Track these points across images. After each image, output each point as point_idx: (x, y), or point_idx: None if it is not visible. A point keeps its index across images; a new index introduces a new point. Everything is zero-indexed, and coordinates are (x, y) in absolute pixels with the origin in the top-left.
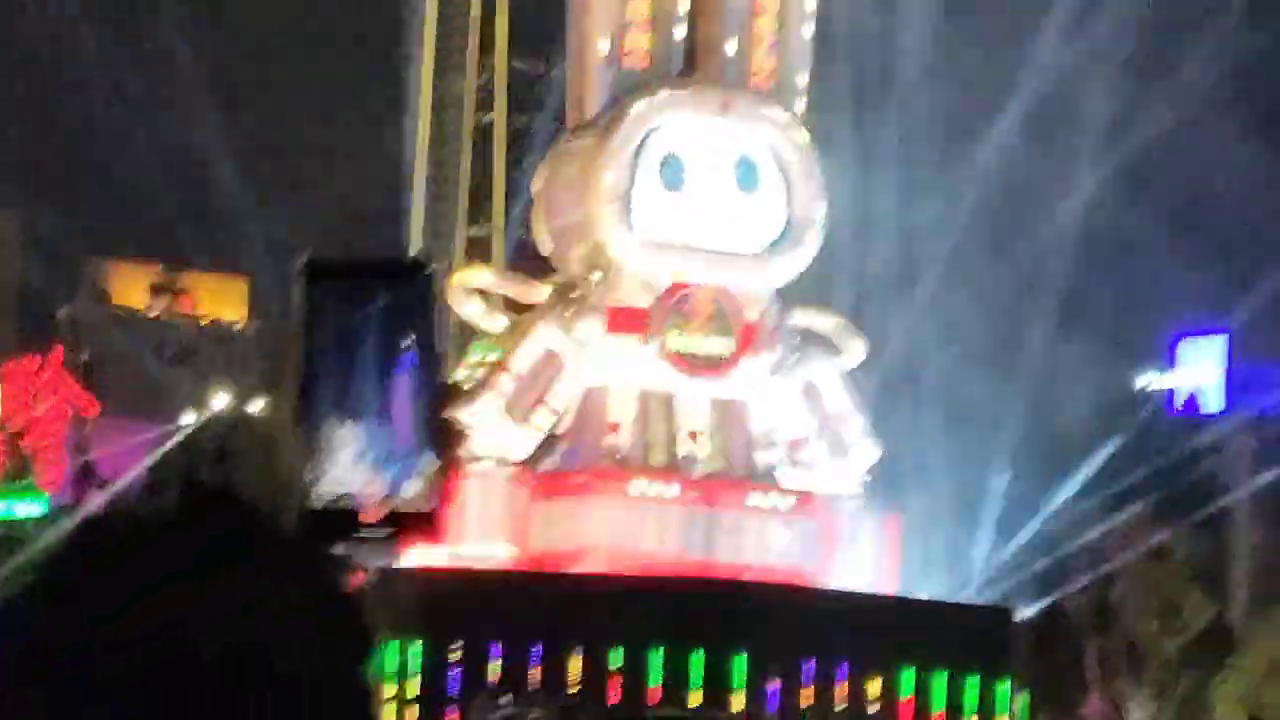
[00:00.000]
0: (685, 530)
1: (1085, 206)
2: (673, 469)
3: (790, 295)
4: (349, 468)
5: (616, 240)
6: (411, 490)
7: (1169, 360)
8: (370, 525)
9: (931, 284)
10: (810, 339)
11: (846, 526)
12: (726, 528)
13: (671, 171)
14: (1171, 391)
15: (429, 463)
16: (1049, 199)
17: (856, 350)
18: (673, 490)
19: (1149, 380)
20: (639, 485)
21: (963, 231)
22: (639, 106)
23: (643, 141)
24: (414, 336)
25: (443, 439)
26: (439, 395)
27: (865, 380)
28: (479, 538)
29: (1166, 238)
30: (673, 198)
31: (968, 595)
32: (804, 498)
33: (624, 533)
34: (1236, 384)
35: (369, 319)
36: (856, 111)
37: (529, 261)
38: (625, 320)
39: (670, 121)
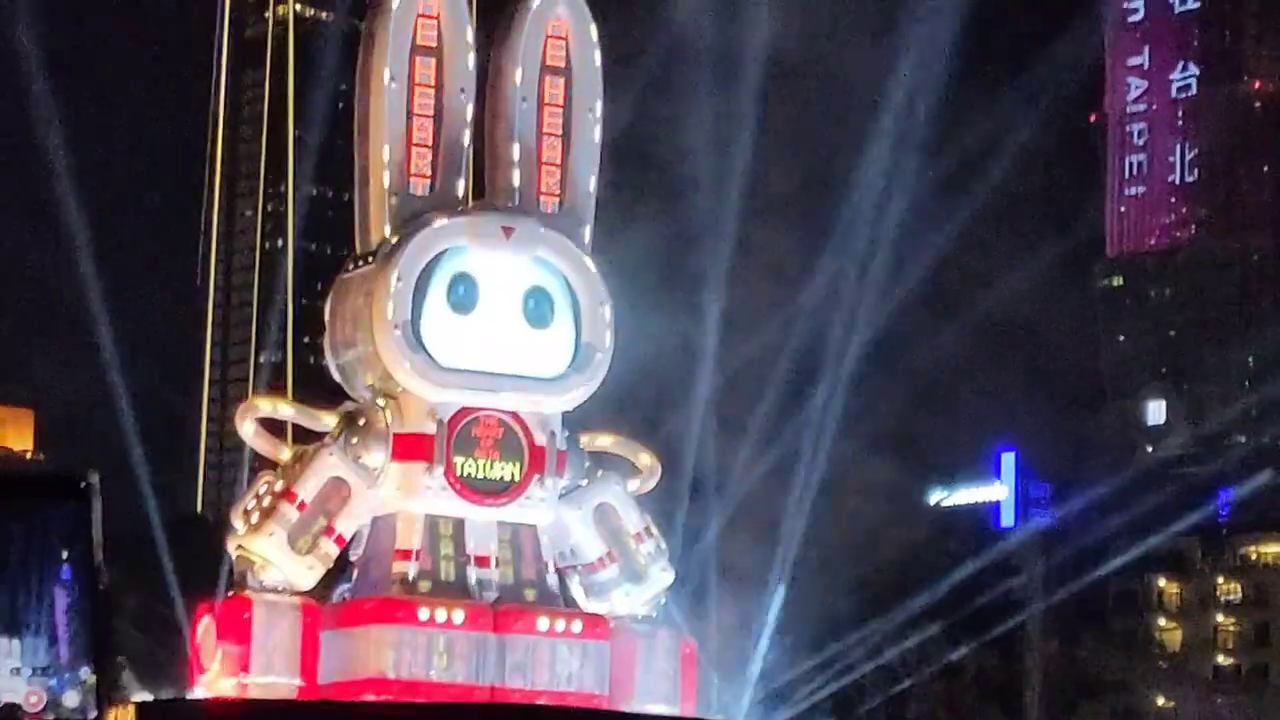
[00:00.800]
0: (474, 657)
1: (892, 323)
2: (462, 595)
3: (586, 418)
4: (9, 679)
5: (400, 368)
6: (72, 700)
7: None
8: None
9: (736, 404)
10: (605, 462)
11: (642, 649)
12: (516, 653)
13: (462, 293)
14: (997, 505)
15: (87, 674)
16: (848, 314)
17: (652, 471)
18: (459, 616)
19: (941, 497)
20: (424, 612)
21: (761, 348)
22: (418, 234)
23: (431, 264)
24: (69, 550)
25: (100, 650)
26: (96, 607)
27: (662, 500)
28: (265, 668)
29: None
30: (463, 321)
31: (759, 715)
32: (595, 621)
33: (411, 661)
34: (1029, 500)
35: (22, 533)
36: (650, 224)
37: (325, 388)
38: (410, 447)
39: (456, 246)
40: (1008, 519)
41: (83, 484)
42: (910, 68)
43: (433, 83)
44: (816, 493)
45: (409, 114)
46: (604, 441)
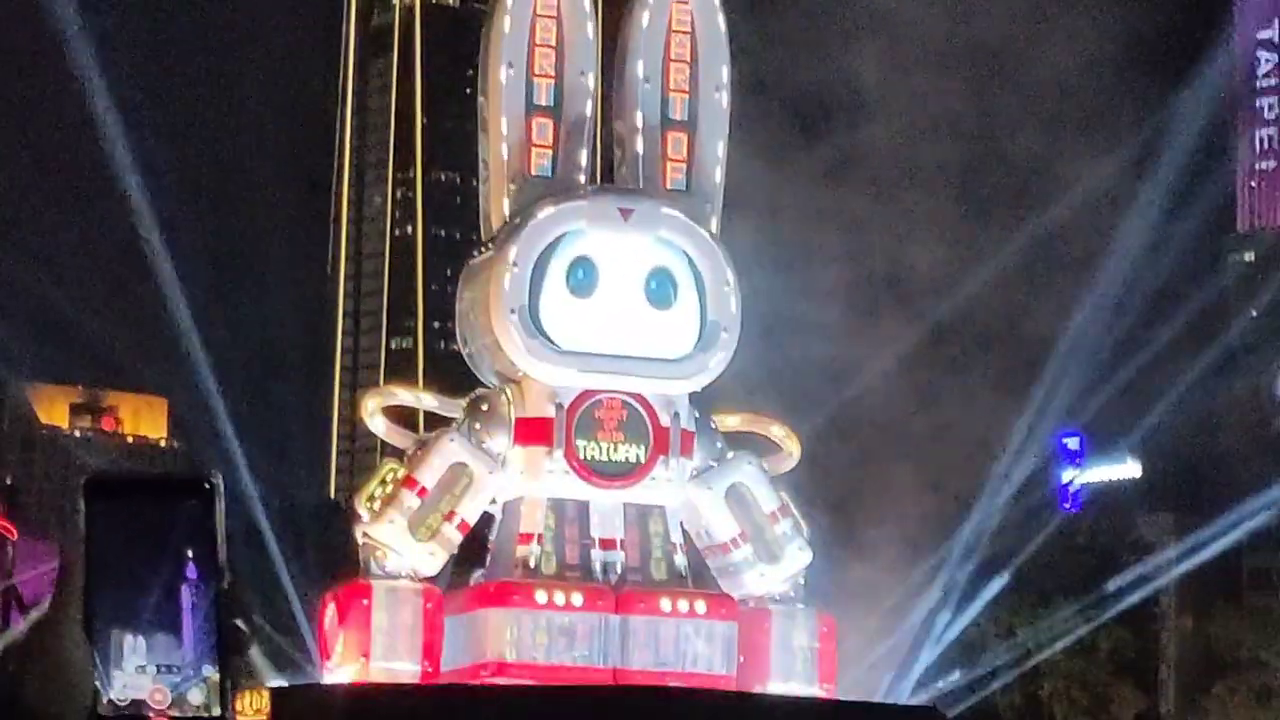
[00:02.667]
0: (595, 639)
1: (1003, 309)
2: (586, 577)
3: (720, 397)
4: (134, 676)
5: (518, 352)
6: (196, 698)
7: (1066, 457)
8: None
9: (854, 384)
10: (740, 442)
11: (777, 629)
12: (638, 635)
13: (582, 277)
14: (1065, 486)
15: (211, 672)
16: (967, 297)
17: (791, 453)
18: (577, 598)
19: (1070, 476)
20: (541, 595)
21: (884, 338)
22: (534, 218)
23: (549, 248)
24: (193, 549)
25: (224, 649)
26: (220, 606)
27: (792, 481)
28: (386, 654)
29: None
30: (582, 304)
31: (897, 696)
32: (720, 601)
33: (530, 644)
34: (1147, 480)
35: (149, 535)
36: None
37: (455, 374)
38: (532, 431)
39: (578, 228)
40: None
41: (207, 485)
42: (1056, 46)
43: (552, 66)
44: (949, 468)
45: (528, 98)
46: (737, 421)
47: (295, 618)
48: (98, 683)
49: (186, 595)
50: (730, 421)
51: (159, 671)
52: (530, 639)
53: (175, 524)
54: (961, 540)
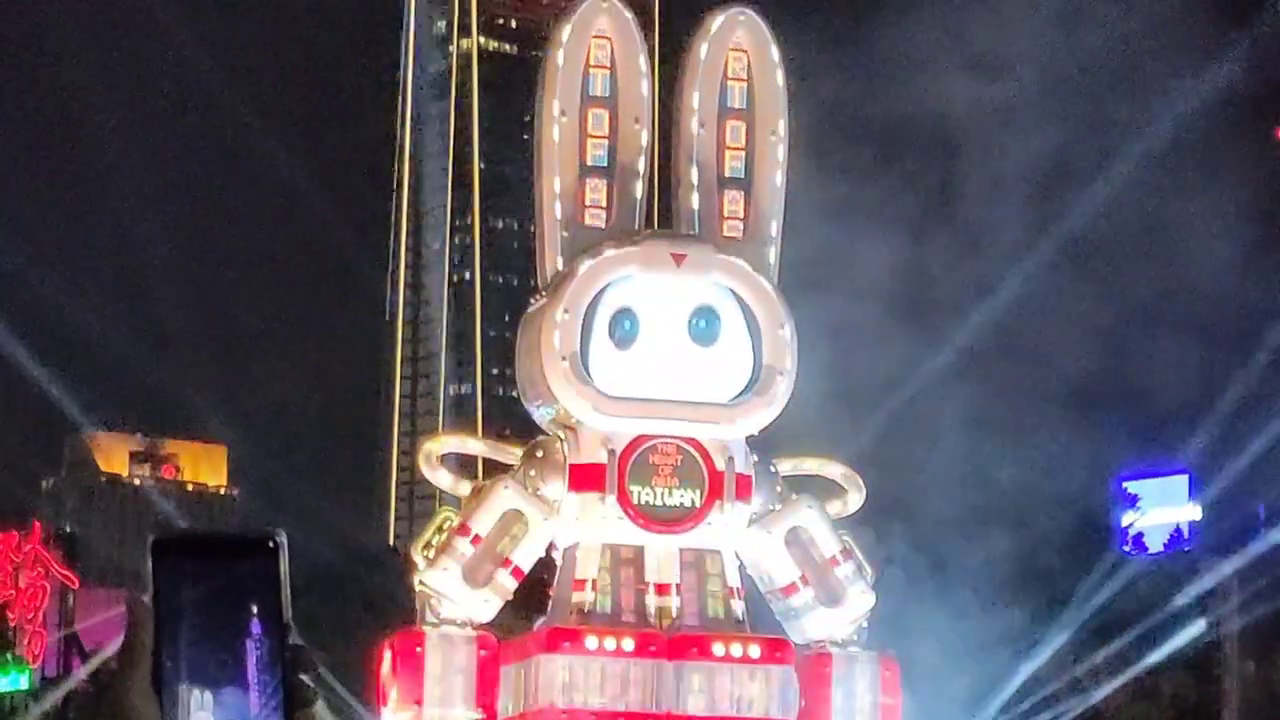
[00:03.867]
0: (648, 684)
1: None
2: (641, 622)
3: (790, 441)
4: None
5: (568, 398)
6: None
7: (1126, 501)
8: None
9: (895, 424)
10: (803, 485)
11: (838, 673)
12: (692, 680)
13: (624, 328)
14: (1125, 529)
15: None
16: (1009, 341)
17: (853, 492)
18: (628, 644)
19: (1129, 520)
20: (592, 640)
21: (929, 374)
22: (585, 265)
23: (596, 299)
24: (258, 605)
25: (289, 705)
26: (285, 660)
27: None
28: (440, 702)
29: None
30: (625, 355)
31: None
32: (776, 645)
33: (583, 689)
34: (1206, 522)
35: (216, 593)
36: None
37: (514, 420)
38: (586, 477)
39: (623, 278)
40: (1188, 541)
41: (271, 543)
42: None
43: (605, 116)
44: (1000, 505)
45: (581, 146)
46: (799, 464)
47: (357, 667)
48: None
49: (252, 651)
50: (792, 465)
51: None
52: (582, 685)
53: (241, 581)
54: (1023, 584)
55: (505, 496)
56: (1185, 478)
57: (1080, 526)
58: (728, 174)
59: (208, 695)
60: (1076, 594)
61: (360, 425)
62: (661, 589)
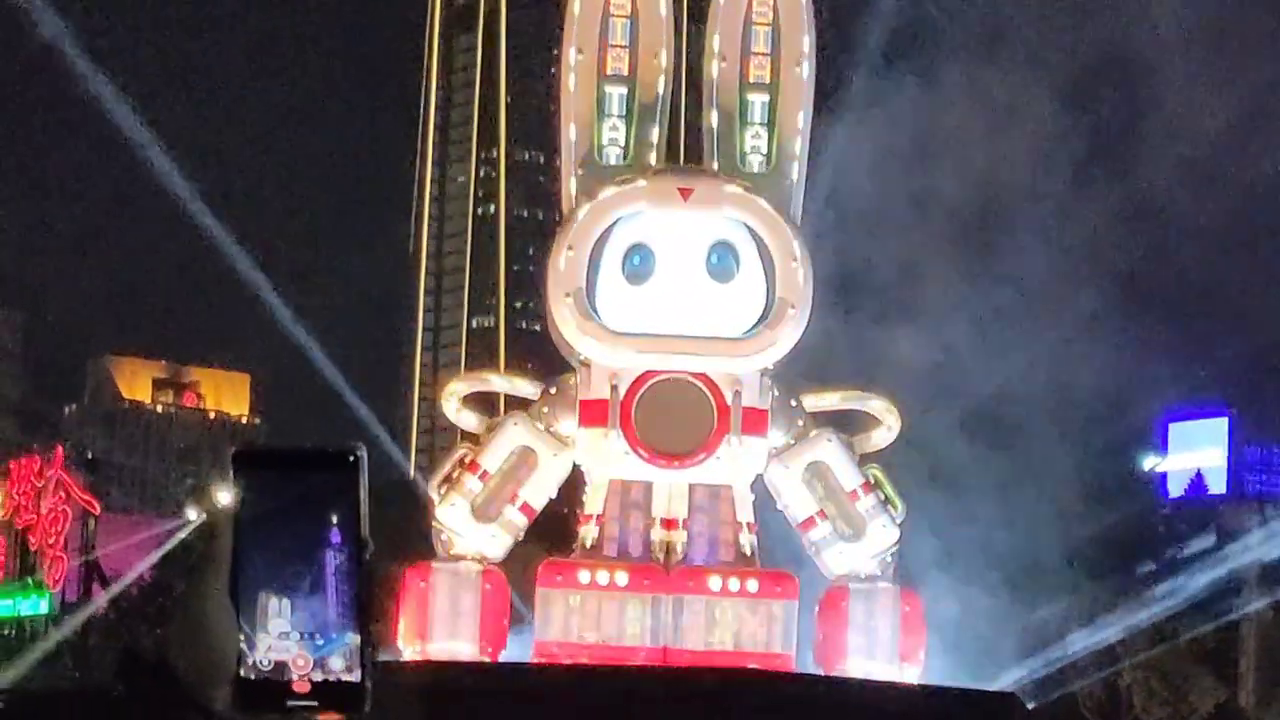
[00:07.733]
0: (644, 618)
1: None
2: (646, 557)
3: (810, 374)
4: (278, 640)
5: (573, 334)
6: (337, 664)
7: (1162, 445)
8: (298, 695)
9: (929, 363)
10: (837, 420)
11: (855, 608)
12: (690, 614)
13: (638, 264)
14: (1165, 475)
15: (352, 639)
16: (1040, 282)
17: (891, 427)
18: (622, 578)
19: (1154, 463)
20: (584, 575)
21: (958, 317)
22: (591, 204)
23: (606, 233)
24: (337, 519)
25: (365, 617)
26: (362, 574)
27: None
28: (445, 636)
29: (1154, 320)
30: (639, 290)
31: (975, 683)
32: (776, 579)
33: (578, 624)
34: (1241, 466)
35: (296, 504)
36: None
37: (536, 353)
38: (595, 413)
39: (632, 214)
40: (1219, 485)
41: (351, 457)
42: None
43: (624, 49)
44: (1025, 458)
45: (599, 83)
46: (835, 399)
47: (377, 602)
48: (243, 645)
49: (330, 563)
50: (828, 399)
51: (302, 637)
52: (577, 618)
53: (321, 493)
54: (1045, 526)
55: (514, 433)
56: (1225, 420)
57: (1103, 472)
58: (749, 111)
59: (285, 603)
60: (1098, 536)
61: (383, 356)
62: (669, 524)
